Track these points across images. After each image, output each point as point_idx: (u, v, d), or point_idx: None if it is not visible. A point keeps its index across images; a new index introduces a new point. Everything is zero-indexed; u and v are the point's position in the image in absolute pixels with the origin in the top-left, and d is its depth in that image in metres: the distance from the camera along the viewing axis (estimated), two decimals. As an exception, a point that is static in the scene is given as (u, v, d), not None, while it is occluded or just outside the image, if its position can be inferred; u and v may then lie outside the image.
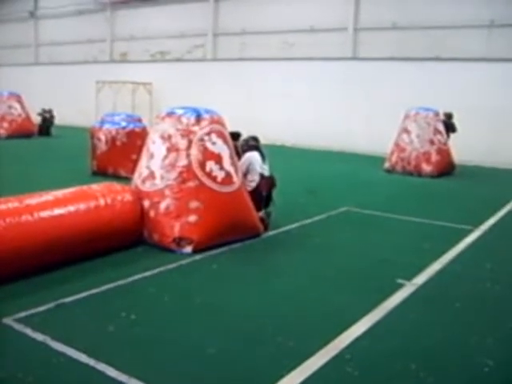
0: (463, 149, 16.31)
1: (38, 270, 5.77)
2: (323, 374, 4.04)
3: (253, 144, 8.40)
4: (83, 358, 4.09)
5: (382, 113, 19.34)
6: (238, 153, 8.33)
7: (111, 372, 3.90)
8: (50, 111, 23.25)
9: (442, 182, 14.08)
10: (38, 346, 4.28)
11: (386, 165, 15.65)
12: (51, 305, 5.06)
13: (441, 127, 15.23)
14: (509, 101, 17.28)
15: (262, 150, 8.44)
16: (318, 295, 5.71)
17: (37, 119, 22.98)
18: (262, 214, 8.17)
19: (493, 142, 17.48)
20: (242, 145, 8.49)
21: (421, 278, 6.28)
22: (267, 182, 8.28)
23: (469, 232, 8.60)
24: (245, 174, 8.10)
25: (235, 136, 8.68)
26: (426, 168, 14.84)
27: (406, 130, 15.35)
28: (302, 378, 3.94)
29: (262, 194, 8.22)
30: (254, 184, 8.15)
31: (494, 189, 13.46)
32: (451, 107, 16.27)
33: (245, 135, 8.77)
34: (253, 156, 8.21)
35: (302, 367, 4.09)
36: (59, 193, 6.50)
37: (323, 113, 21.11)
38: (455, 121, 15.99)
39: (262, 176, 8.20)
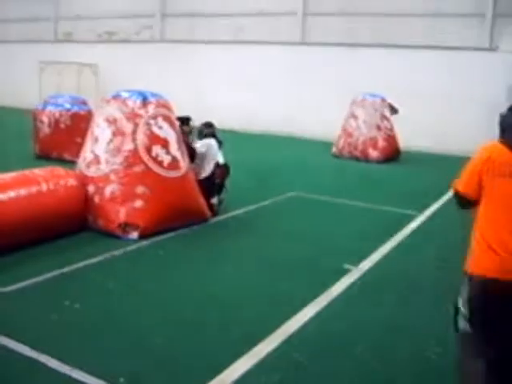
0: (410, 135, 16.59)
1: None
2: (271, 360, 4.04)
3: (209, 131, 8.36)
4: (26, 349, 3.95)
5: (330, 98, 19.41)
6: (186, 138, 8.25)
7: (54, 363, 3.79)
8: None
9: (388, 168, 14.32)
10: (-23, 338, 4.12)
11: (334, 150, 15.79)
12: (-10, 294, 4.89)
13: (388, 113, 15.43)
14: (455, 88, 17.65)
15: (218, 137, 8.39)
16: (265, 281, 5.71)
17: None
18: (214, 200, 8.14)
19: (439, 129, 17.83)
20: (198, 133, 8.42)
21: (367, 263, 6.36)
22: (222, 171, 8.29)
23: (413, 217, 8.77)
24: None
25: (184, 121, 8.57)
26: (373, 153, 15.04)
27: (353, 116, 15.49)
28: (250, 365, 3.93)
29: (216, 182, 8.20)
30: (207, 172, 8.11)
31: (439, 175, 13.68)
32: (399, 93, 16.48)
33: (195, 120, 8.66)
34: (210, 143, 8.19)
35: (251, 354, 4.08)
36: (-1, 177, 6.28)
37: (272, 97, 21.05)
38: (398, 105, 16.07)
39: (217, 164, 8.16)
